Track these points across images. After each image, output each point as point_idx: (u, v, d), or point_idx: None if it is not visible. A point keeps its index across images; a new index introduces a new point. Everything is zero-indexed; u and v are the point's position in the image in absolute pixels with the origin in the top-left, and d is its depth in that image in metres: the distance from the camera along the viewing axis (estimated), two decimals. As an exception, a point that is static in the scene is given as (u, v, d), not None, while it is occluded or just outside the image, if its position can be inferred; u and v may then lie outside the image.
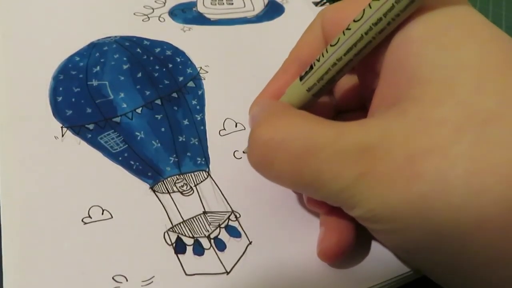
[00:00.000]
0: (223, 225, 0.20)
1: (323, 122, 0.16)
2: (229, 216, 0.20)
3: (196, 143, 0.23)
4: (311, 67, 0.18)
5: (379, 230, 0.16)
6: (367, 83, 0.19)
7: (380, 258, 0.19)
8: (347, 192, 0.15)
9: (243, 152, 0.22)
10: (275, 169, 0.16)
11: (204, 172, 0.22)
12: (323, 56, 0.18)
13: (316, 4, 0.32)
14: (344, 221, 0.18)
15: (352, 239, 0.18)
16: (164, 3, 0.30)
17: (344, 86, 0.22)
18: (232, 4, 0.31)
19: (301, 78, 0.19)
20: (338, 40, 0.17)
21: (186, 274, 0.18)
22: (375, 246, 0.19)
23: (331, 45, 0.17)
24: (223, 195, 0.21)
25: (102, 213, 0.20)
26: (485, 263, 0.14)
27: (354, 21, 0.16)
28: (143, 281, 0.18)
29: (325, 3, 0.32)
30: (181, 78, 0.25)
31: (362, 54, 0.17)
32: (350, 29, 0.16)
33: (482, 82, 0.14)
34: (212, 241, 0.19)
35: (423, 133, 0.14)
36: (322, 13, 0.20)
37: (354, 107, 0.22)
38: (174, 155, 0.22)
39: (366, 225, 0.17)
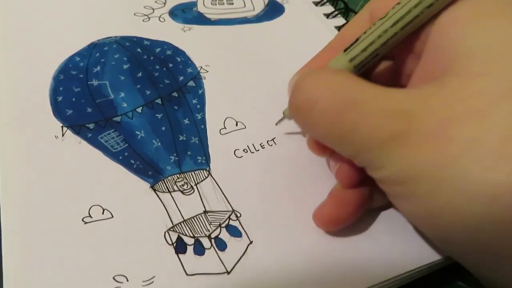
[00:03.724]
0: (223, 225, 0.20)
1: (366, 82, 0.16)
2: (230, 215, 0.20)
3: (197, 142, 0.23)
4: (357, 40, 0.18)
5: (404, 195, 0.16)
6: (406, 67, 0.19)
7: (387, 254, 0.19)
8: (379, 149, 0.15)
9: (283, 113, 0.22)
10: (313, 117, 0.17)
11: (204, 171, 0.21)
12: (370, 29, 0.18)
13: (316, 4, 0.32)
14: (348, 196, 0.19)
15: (350, 216, 0.19)
16: (164, 4, 0.30)
17: (381, 73, 0.22)
18: (232, 4, 0.31)
19: (345, 50, 0.19)
20: (387, 14, 0.18)
21: (187, 274, 0.18)
22: (378, 244, 0.19)
23: (379, 19, 0.18)
24: (223, 194, 0.21)
25: (103, 213, 0.19)
26: None
27: None
28: (143, 281, 0.18)
29: (325, 3, 0.32)
30: (181, 78, 0.25)
31: (407, 29, 0.17)
32: (400, 3, 0.17)
33: None
34: (212, 240, 0.19)
35: (461, 101, 0.14)
36: (371, 1, 0.21)
37: None
38: (175, 154, 0.22)
39: (390, 190, 0.17)
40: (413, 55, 0.19)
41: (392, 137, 0.15)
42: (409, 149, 0.15)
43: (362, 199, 0.19)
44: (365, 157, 0.16)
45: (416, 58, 0.18)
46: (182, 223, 0.19)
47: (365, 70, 0.19)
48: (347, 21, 0.31)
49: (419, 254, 0.19)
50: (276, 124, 0.23)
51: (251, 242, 0.19)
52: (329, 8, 0.32)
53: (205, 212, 0.20)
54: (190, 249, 0.19)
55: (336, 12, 0.31)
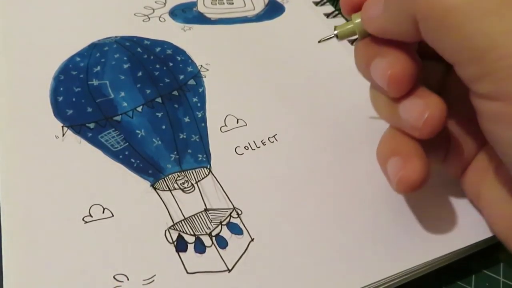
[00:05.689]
0: (224, 222, 0.19)
1: None
2: (231, 213, 0.20)
3: (197, 140, 0.22)
4: None
5: None
6: None
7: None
8: None
9: (335, 28, 0.19)
10: None
11: (205, 169, 0.21)
12: None
13: (316, 4, 0.32)
14: (421, 148, 0.17)
15: (429, 174, 0.17)
16: (165, 4, 0.30)
17: None
18: (233, 3, 0.31)
19: None
20: None
21: (188, 273, 0.18)
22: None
23: None
24: (224, 192, 0.21)
25: (103, 212, 0.19)
26: None
27: None
28: (144, 280, 0.18)
29: (325, 3, 0.32)
30: (181, 77, 0.25)
31: None
32: None
33: None
34: (213, 238, 0.19)
35: None
36: None
37: None
38: (175, 153, 0.22)
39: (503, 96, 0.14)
40: None
41: None
42: None
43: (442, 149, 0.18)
44: (508, 53, 0.13)
45: None
46: (182, 221, 0.19)
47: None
48: (347, 21, 0.30)
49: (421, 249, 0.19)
50: (319, 42, 0.20)
51: (252, 240, 0.19)
52: (329, 8, 0.32)
53: (206, 210, 0.20)
54: (190, 247, 0.19)
55: (336, 12, 0.31)
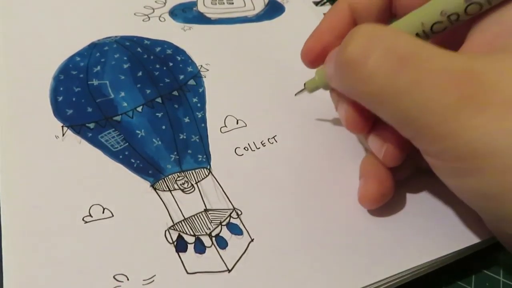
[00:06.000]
0: (224, 223, 0.19)
1: (425, 41, 0.15)
2: (231, 213, 0.20)
3: (197, 140, 0.22)
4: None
5: (469, 171, 0.14)
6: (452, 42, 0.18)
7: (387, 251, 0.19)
8: (445, 115, 0.14)
9: (304, 85, 0.22)
10: (366, 71, 0.15)
11: (205, 169, 0.21)
12: None
13: (316, 4, 0.32)
14: (383, 171, 0.19)
15: (391, 189, 0.19)
16: (165, 3, 0.30)
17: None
18: (233, 3, 0.31)
19: None
20: None
21: (188, 273, 0.18)
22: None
23: None
24: (224, 192, 0.21)
25: (103, 212, 0.19)
26: None
27: None
28: (144, 280, 0.18)
29: (325, 3, 0.32)
30: (181, 77, 0.25)
31: None
32: None
33: None
34: (213, 239, 0.19)
35: None
36: None
37: None
38: (175, 153, 0.22)
39: (449, 165, 0.15)
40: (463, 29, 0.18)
41: (462, 100, 0.13)
42: (487, 116, 0.13)
43: (401, 173, 0.20)
44: (423, 125, 0.14)
45: (466, 31, 0.17)
46: (182, 222, 0.19)
47: None
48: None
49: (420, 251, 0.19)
50: (295, 95, 0.23)
51: (252, 240, 0.19)
52: (329, 8, 0.32)
53: (206, 210, 0.20)
54: (190, 247, 0.19)
55: (336, 11, 0.31)
